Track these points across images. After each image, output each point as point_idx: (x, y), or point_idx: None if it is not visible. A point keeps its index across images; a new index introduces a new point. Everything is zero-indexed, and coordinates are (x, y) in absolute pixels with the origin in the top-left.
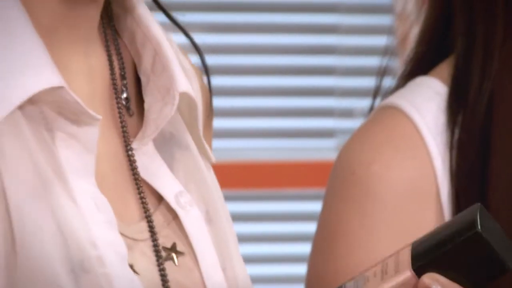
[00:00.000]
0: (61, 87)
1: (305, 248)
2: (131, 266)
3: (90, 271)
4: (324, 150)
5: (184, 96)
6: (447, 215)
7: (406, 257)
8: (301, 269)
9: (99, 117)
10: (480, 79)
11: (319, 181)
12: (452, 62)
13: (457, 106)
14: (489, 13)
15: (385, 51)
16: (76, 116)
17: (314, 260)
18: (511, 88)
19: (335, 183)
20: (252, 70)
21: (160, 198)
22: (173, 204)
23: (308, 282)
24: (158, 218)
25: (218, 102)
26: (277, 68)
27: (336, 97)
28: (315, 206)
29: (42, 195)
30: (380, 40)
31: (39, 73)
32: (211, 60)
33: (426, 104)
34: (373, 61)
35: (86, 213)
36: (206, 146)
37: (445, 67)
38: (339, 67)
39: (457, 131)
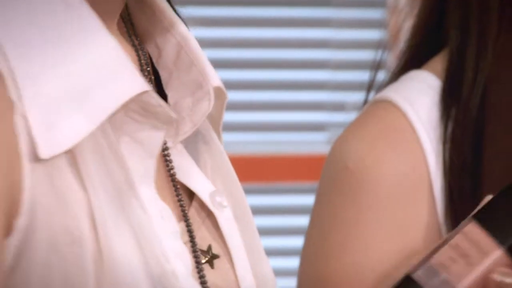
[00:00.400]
0: (146, 91)
1: (297, 242)
2: None
3: (168, 287)
4: (316, 144)
5: (214, 91)
6: (439, 209)
7: (482, 236)
8: (293, 262)
9: (176, 118)
10: (474, 73)
11: (311, 175)
12: (445, 55)
13: (451, 100)
14: (483, 6)
15: (378, 45)
16: (145, 119)
17: (307, 254)
18: (504, 82)
19: (328, 177)
20: (243, 64)
21: (191, 197)
22: (209, 204)
23: (301, 276)
24: (194, 218)
25: None
26: (269, 62)
27: (328, 91)
28: (307, 200)
29: (119, 207)
30: (373, 34)
31: (125, 79)
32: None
33: (420, 98)
34: (366, 55)
35: (155, 223)
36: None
37: (439, 61)
38: (332, 61)
39: (450, 125)
